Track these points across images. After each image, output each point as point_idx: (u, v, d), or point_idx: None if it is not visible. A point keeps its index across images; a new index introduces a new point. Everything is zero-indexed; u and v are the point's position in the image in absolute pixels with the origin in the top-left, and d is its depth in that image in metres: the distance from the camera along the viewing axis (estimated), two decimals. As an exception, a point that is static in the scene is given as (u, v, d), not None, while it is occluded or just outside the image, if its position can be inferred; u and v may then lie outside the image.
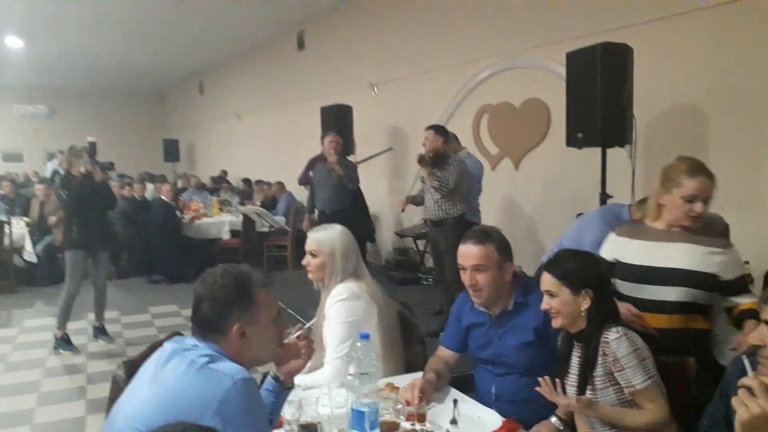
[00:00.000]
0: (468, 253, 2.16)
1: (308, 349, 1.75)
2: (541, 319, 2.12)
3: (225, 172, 13.16)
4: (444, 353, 2.35)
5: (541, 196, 5.79)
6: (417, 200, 5.27)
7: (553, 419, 2.06)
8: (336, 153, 5.73)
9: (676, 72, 4.42)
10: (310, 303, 5.79)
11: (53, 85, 16.50)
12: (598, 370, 1.89)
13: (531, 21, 5.71)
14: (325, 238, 2.39)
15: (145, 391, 1.45)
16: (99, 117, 17.58)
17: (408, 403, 1.93)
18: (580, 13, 5.19)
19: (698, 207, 2.19)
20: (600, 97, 3.74)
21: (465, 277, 2.16)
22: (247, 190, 11.01)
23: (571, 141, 4.06)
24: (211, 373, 1.41)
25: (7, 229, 7.23)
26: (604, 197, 4.06)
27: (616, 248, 2.36)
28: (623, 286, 2.30)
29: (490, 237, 2.18)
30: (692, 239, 2.21)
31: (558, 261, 1.98)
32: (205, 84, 15.24)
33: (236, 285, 1.51)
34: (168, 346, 1.51)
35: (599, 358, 1.88)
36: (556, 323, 1.95)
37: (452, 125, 6.82)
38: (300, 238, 8.35)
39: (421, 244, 7.11)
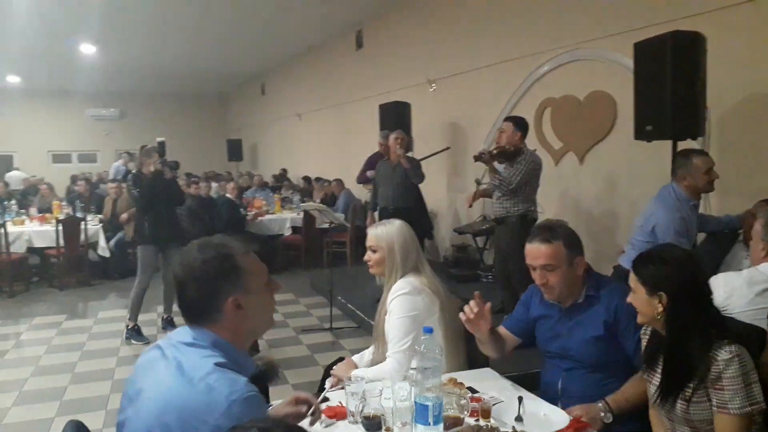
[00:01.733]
0: (536, 253, 2.11)
1: (314, 416, 1.70)
2: (613, 313, 2.06)
3: (285, 171, 13.43)
4: (503, 331, 2.34)
5: (607, 191, 5.61)
6: (489, 193, 5.14)
7: (600, 403, 1.99)
8: (402, 148, 5.74)
9: (751, 60, 4.18)
10: (369, 298, 5.88)
11: (123, 90, 17.26)
12: (695, 383, 1.74)
13: (594, 12, 5.54)
14: (384, 234, 2.39)
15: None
16: (166, 119, 18.28)
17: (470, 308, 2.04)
18: (646, 2, 4.99)
19: None
20: (670, 88, 3.58)
21: (535, 276, 2.12)
22: (307, 188, 11.18)
23: (640, 134, 3.91)
24: (208, 390, 1.28)
25: (82, 226, 7.61)
26: (675, 192, 3.88)
27: None
28: None
29: (557, 233, 2.11)
30: None
31: (643, 258, 1.88)
32: (266, 85, 15.58)
33: (219, 257, 1.40)
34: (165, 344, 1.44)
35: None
36: (638, 320, 1.88)
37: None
38: (359, 235, 8.43)
39: (480, 240, 7.03)
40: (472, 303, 2.06)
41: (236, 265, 1.41)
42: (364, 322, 5.48)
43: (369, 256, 2.44)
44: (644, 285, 1.81)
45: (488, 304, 2.07)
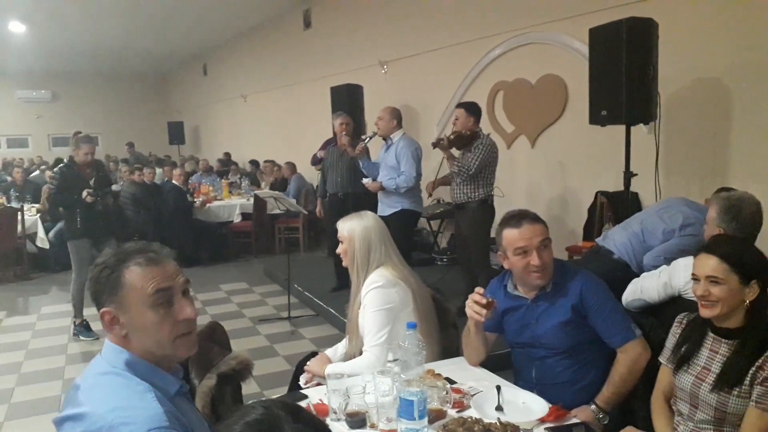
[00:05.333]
0: (531, 231, 2.09)
1: None
2: (578, 296, 2.09)
3: (228, 155, 13.09)
4: None
5: (559, 174, 5.73)
6: (447, 180, 5.11)
7: (593, 406, 2.05)
8: (348, 134, 5.61)
9: (698, 46, 4.33)
10: (322, 284, 5.84)
11: (56, 70, 16.38)
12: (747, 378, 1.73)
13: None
14: (347, 226, 2.37)
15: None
16: (102, 101, 17.52)
17: (480, 304, 1.99)
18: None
19: None
20: (625, 73, 3.66)
21: (530, 260, 2.07)
22: (254, 172, 10.96)
23: (594, 118, 3.99)
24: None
25: (19, 216, 7.21)
26: (629, 175, 4.00)
27: None
28: None
29: (536, 215, 2.16)
30: None
31: (726, 244, 1.83)
32: (208, 65, 15.09)
33: (106, 266, 1.31)
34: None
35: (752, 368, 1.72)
36: (708, 313, 1.78)
37: (465, 103, 6.77)
38: (311, 220, 8.35)
39: (434, 224, 7.07)
40: (477, 297, 2.02)
41: (118, 275, 1.29)
42: (322, 310, 5.44)
43: (339, 247, 2.40)
44: (738, 272, 1.75)
45: (494, 301, 2.05)
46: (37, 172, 10.99)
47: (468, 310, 2.06)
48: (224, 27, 11.81)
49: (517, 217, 2.13)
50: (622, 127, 4.06)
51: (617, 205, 5.02)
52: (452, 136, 4.53)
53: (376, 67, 8.13)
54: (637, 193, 4.81)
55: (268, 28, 11.35)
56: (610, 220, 4.91)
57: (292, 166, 9.16)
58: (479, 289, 2.04)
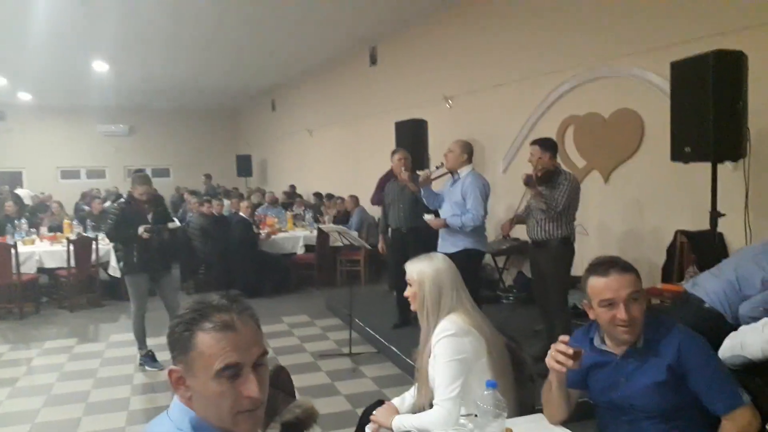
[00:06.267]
0: (619, 282, 1.90)
1: None
2: (676, 355, 1.88)
3: (293, 187, 13.30)
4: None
5: (635, 211, 5.45)
6: (523, 218, 4.82)
7: None
8: (406, 170, 5.53)
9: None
10: (384, 319, 5.72)
11: (133, 106, 17.26)
12: None
13: (618, 29, 5.43)
14: (416, 269, 2.25)
15: None
16: (175, 134, 18.31)
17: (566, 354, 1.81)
18: (673, 19, 4.87)
19: None
20: (712, 109, 3.43)
21: (617, 313, 1.89)
22: (318, 204, 11.05)
23: (677, 155, 3.77)
24: None
25: (94, 246, 7.49)
26: (716, 215, 3.73)
27: None
28: None
29: (627, 264, 1.96)
30: None
31: None
32: (276, 100, 15.52)
33: (182, 321, 1.21)
34: None
35: None
36: None
37: (533, 138, 6.58)
38: (372, 254, 8.28)
39: (500, 260, 6.86)
40: (562, 347, 1.84)
41: (190, 336, 1.20)
42: (384, 347, 5.31)
43: (408, 290, 2.29)
44: None
45: (581, 350, 1.87)
46: (108, 204, 11.45)
47: (550, 361, 1.88)
48: (292, 64, 12.12)
49: (605, 265, 1.94)
50: (705, 164, 3.83)
51: (699, 246, 4.71)
52: (540, 173, 4.30)
53: (441, 101, 8.09)
54: (722, 234, 4.49)
55: (334, 64, 11.57)
56: (693, 263, 4.60)
57: (355, 200, 9.16)
58: (564, 338, 1.87)
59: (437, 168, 4.69)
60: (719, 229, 4.39)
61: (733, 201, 4.06)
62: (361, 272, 8.37)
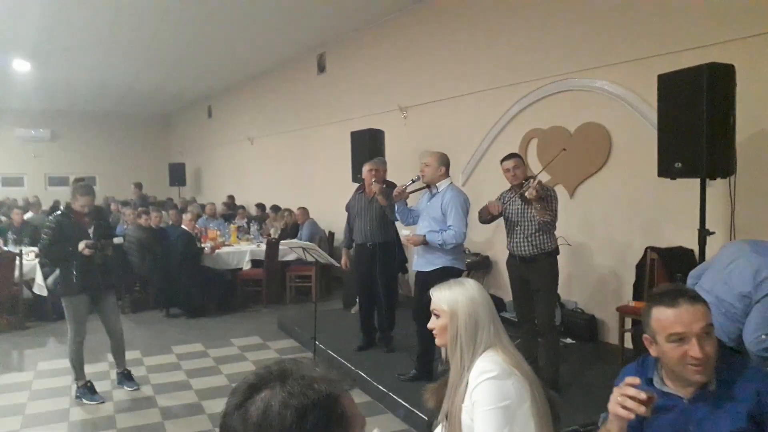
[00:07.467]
0: (691, 314, 1.67)
1: None
2: (754, 399, 1.67)
3: (232, 198, 12.73)
4: None
5: (602, 227, 5.39)
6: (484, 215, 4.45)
7: None
8: (378, 182, 5.25)
9: None
10: (345, 341, 5.39)
11: (56, 109, 16.11)
12: None
13: (585, 42, 5.39)
14: (449, 298, 1.95)
15: None
16: (102, 141, 17.26)
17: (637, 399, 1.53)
18: (643, 33, 4.86)
19: None
20: (706, 123, 3.35)
21: (688, 349, 1.66)
22: (262, 216, 10.57)
23: (665, 171, 3.67)
24: None
25: (17, 261, 6.75)
26: (705, 233, 3.65)
27: None
28: None
29: (695, 292, 1.75)
30: None
31: None
32: (213, 107, 14.88)
33: (320, 411, 0.89)
34: None
35: None
36: None
37: (494, 151, 6.47)
38: (323, 268, 7.92)
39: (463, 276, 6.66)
40: (633, 392, 1.55)
41: (342, 415, 0.91)
42: (350, 372, 4.96)
43: (433, 322, 1.99)
44: None
45: (655, 396, 1.60)
46: (30, 214, 10.50)
47: (616, 407, 1.59)
48: (233, 69, 11.61)
49: (672, 294, 1.71)
50: (676, 181, 3.76)
51: (670, 263, 4.68)
52: (538, 186, 3.93)
53: (395, 112, 7.87)
54: (692, 251, 4.46)
55: (279, 70, 11.16)
56: (671, 280, 4.55)
57: (304, 212, 8.77)
58: (633, 380, 1.61)
59: (413, 181, 4.42)
60: (691, 246, 4.38)
61: (714, 218, 4.01)
62: (312, 288, 7.99)
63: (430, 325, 2.00)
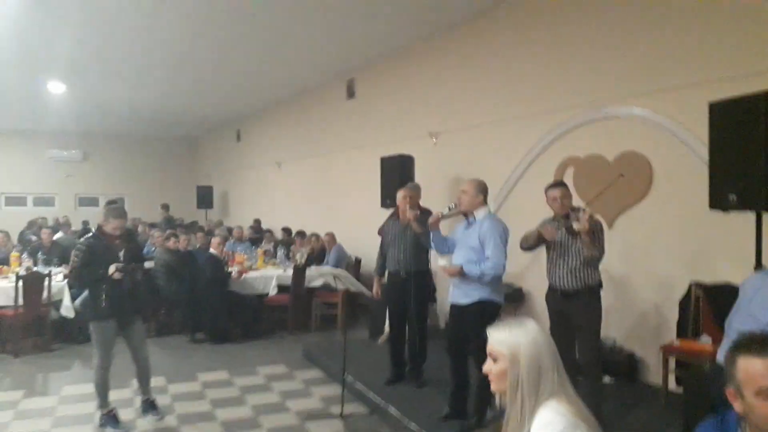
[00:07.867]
0: None
1: None
2: None
3: (258, 221, 12.70)
4: None
5: (642, 260, 5.18)
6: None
7: None
8: (413, 208, 5.11)
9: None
10: (374, 373, 5.22)
11: (87, 131, 16.41)
12: None
13: (621, 68, 5.26)
14: (510, 340, 1.78)
15: None
16: (132, 162, 17.50)
17: None
18: (679, 61, 4.72)
19: None
20: (764, 154, 3.18)
21: None
22: (289, 241, 10.49)
23: (718, 202, 3.50)
24: None
25: (46, 282, 6.74)
26: (761, 269, 3.44)
27: None
28: None
29: None
30: None
31: None
32: (242, 131, 15.00)
33: None
34: None
35: None
36: None
37: (527, 178, 6.33)
38: (350, 296, 7.79)
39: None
40: None
41: None
42: (378, 408, 4.77)
43: (488, 366, 1.84)
44: None
45: None
46: (60, 234, 10.59)
47: None
48: (263, 93, 11.70)
49: (763, 342, 1.56)
50: (724, 214, 3.59)
51: (718, 300, 4.45)
52: (588, 220, 3.77)
53: (425, 138, 7.78)
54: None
55: (308, 95, 11.20)
56: (718, 317, 4.32)
57: (332, 237, 8.68)
58: None
59: (450, 209, 4.27)
60: (737, 281, 4.16)
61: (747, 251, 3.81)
62: (338, 316, 7.85)
63: (485, 369, 1.84)
